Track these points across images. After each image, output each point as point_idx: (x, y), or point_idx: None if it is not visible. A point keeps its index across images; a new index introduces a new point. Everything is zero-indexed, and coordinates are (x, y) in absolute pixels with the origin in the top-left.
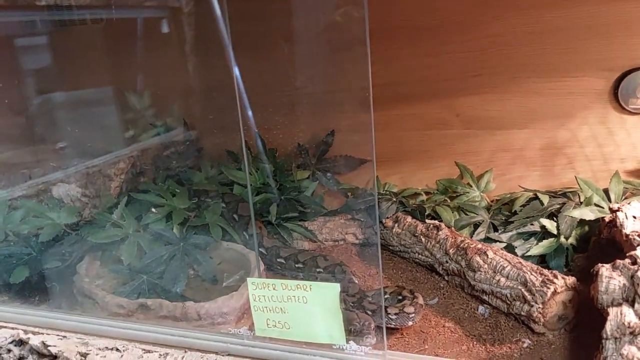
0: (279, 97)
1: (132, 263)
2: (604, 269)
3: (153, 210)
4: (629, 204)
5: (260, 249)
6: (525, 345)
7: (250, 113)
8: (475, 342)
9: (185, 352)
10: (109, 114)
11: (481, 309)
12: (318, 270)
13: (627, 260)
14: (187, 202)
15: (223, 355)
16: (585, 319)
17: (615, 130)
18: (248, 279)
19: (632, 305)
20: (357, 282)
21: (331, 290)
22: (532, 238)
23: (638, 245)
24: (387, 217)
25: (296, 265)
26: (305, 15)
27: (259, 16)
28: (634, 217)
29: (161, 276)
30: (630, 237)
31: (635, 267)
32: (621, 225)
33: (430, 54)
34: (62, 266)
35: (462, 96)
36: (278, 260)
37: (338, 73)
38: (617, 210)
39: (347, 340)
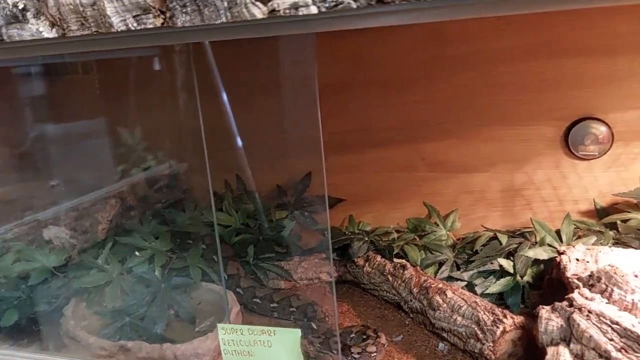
0: (258, 142)
1: (116, 305)
2: (544, 311)
3: (137, 253)
4: (574, 246)
5: (237, 290)
6: None
7: (241, 151)
8: None
9: None
10: (102, 154)
11: (441, 345)
12: (291, 309)
13: (565, 303)
14: (169, 244)
15: None
16: (535, 356)
17: (568, 174)
18: (218, 325)
19: (568, 345)
20: (324, 322)
21: (292, 335)
22: (492, 276)
23: (576, 288)
24: (359, 257)
25: (271, 305)
26: (284, 64)
27: (243, 66)
28: (577, 259)
29: (143, 317)
30: (570, 279)
31: (572, 309)
32: (564, 267)
33: (398, 104)
34: (49, 309)
35: (427, 142)
36: (254, 300)
37: (313, 119)
38: (563, 253)
39: None
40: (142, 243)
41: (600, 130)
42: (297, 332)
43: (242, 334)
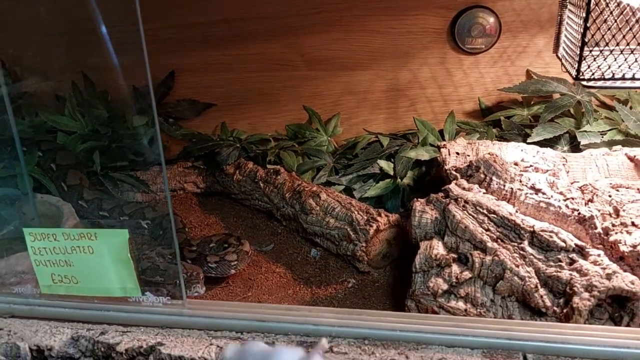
0: (112, 37)
1: None
2: (418, 204)
3: None
4: (454, 140)
5: (80, 202)
6: (350, 285)
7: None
8: (302, 286)
9: None
10: None
11: (313, 251)
12: (145, 222)
13: (440, 194)
14: None
15: (5, 318)
16: (411, 256)
17: (454, 70)
18: (24, 229)
19: (442, 238)
20: (186, 231)
21: (119, 237)
22: (371, 180)
23: (454, 179)
24: (229, 164)
25: (121, 218)
26: None
27: None
28: (457, 153)
29: None
30: (449, 172)
31: (447, 200)
32: (443, 161)
33: None
34: None
35: (305, 35)
36: (101, 213)
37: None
38: (442, 147)
39: (144, 292)
40: None
41: (488, 20)
42: (124, 233)
43: (56, 239)
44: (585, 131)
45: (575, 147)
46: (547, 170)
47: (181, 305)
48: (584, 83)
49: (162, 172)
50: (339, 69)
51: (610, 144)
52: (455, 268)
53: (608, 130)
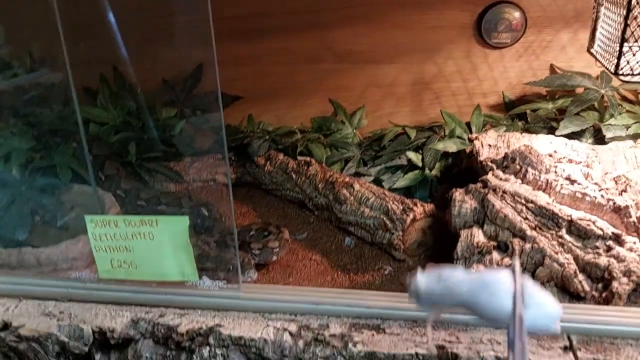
0: (136, 28)
1: None
2: (457, 194)
3: None
4: (486, 133)
5: (118, 191)
6: (386, 272)
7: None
8: (339, 272)
9: (20, 300)
10: None
11: (347, 240)
12: (183, 211)
13: (479, 184)
14: (30, 141)
15: (63, 302)
16: (444, 245)
17: (479, 64)
18: (86, 216)
19: (482, 227)
20: (220, 222)
21: (180, 224)
22: (399, 171)
23: (490, 170)
24: (259, 156)
25: (159, 208)
26: None
27: None
28: (490, 145)
29: None
30: (484, 163)
31: (486, 190)
32: (477, 153)
33: None
34: None
35: (333, 29)
36: (139, 202)
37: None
38: (475, 139)
39: (201, 276)
40: None
41: (514, 15)
42: (185, 220)
43: (116, 226)
44: (610, 124)
45: (599, 139)
46: (581, 162)
47: (237, 289)
48: (622, 78)
49: (193, 163)
50: (365, 62)
51: (635, 137)
52: (495, 255)
53: (632, 124)
